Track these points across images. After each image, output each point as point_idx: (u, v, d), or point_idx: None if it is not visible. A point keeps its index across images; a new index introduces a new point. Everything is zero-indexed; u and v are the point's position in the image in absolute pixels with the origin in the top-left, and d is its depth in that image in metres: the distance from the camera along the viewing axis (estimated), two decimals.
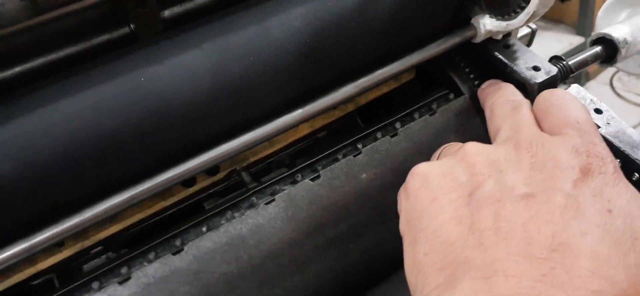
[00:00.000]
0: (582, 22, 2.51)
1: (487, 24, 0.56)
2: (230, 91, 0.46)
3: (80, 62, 0.46)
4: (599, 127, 0.51)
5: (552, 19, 2.69)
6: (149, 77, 0.43)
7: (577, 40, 2.53)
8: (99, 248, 0.49)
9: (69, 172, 0.42)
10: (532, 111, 0.42)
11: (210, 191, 0.53)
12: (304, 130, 0.56)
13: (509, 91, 0.49)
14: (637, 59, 0.71)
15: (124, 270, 0.44)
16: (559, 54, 2.07)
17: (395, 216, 0.51)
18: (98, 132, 0.42)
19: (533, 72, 0.56)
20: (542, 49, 2.14)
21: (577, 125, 0.36)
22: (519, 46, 0.59)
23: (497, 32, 0.57)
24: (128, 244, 0.52)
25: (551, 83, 0.56)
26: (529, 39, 0.66)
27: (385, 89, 0.60)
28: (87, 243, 0.46)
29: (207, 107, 0.45)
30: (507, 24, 0.55)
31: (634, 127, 1.85)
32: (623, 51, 0.66)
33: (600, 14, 0.73)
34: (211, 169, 0.50)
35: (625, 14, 0.71)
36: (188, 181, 0.50)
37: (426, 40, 0.56)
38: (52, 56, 0.47)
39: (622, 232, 0.30)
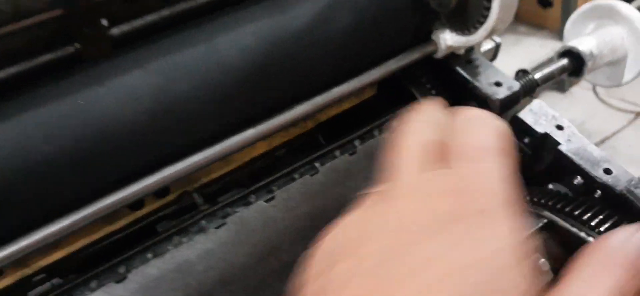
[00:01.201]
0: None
1: (448, 39, 0.55)
2: (175, 111, 0.44)
3: (24, 83, 0.44)
4: (560, 143, 0.50)
5: (535, 25, 2.69)
6: (89, 99, 0.42)
7: (559, 46, 2.53)
8: (42, 275, 0.47)
9: (4, 197, 0.40)
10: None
11: (161, 214, 0.51)
12: (262, 148, 0.54)
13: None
14: (605, 71, 0.70)
15: None
16: (542, 59, 2.08)
17: None
18: (35, 157, 0.40)
19: (495, 88, 0.55)
20: (526, 55, 2.14)
21: (473, 154, 0.29)
22: (481, 61, 0.58)
23: (458, 48, 0.56)
24: (75, 271, 0.50)
25: (513, 98, 0.55)
26: (493, 53, 0.65)
27: (346, 105, 0.59)
28: (28, 270, 0.45)
29: (149, 129, 0.44)
30: (467, 40, 0.54)
31: (617, 132, 1.84)
32: (589, 64, 0.66)
33: (567, 26, 0.72)
34: (160, 192, 0.49)
35: (593, 26, 0.70)
36: (136, 204, 0.48)
37: (386, 56, 0.55)
38: None
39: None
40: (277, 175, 0.51)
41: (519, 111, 0.55)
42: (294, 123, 0.53)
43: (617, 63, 0.69)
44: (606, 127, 2.37)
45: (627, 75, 0.68)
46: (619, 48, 0.67)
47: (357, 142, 0.54)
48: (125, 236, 0.49)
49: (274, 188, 0.50)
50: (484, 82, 0.55)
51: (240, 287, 0.46)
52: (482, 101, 0.55)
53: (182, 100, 0.45)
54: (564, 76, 0.67)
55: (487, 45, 0.63)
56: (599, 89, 2.59)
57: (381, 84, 0.60)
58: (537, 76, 0.63)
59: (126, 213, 0.48)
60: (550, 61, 0.68)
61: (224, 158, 0.49)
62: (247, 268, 0.47)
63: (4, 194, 0.40)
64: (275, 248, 0.48)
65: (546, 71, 0.65)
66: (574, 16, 0.71)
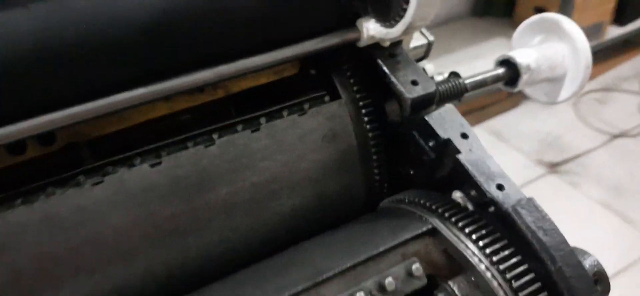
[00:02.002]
0: None
1: (371, 28, 0.53)
2: (60, 55, 0.42)
3: None
4: (460, 152, 0.49)
5: None
6: None
7: None
8: None
9: None
10: None
11: (45, 163, 0.49)
12: (162, 110, 0.52)
13: None
14: (544, 86, 0.69)
15: None
16: None
17: (243, 213, 0.49)
18: None
19: (410, 86, 0.54)
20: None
21: None
22: (404, 58, 0.56)
23: (381, 39, 0.54)
24: None
25: (426, 99, 0.54)
26: (425, 51, 0.63)
27: (263, 80, 0.57)
28: None
29: (32, 71, 0.42)
30: (387, 32, 0.52)
31: (590, 151, 1.83)
32: (525, 77, 0.64)
33: (515, 35, 0.71)
34: (44, 138, 0.47)
35: (539, 38, 0.68)
36: (16, 147, 0.46)
37: (305, 35, 0.53)
38: None
39: None
40: (169, 140, 0.49)
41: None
42: (198, 89, 0.52)
43: (555, 80, 0.67)
44: (580, 144, 2.37)
45: (564, 94, 0.67)
46: (558, 65, 0.66)
47: (262, 120, 0.52)
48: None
49: (163, 153, 0.48)
50: (401, 79, 0.54)
51: (109, 248, 0.45)
52: (396, 97, 0.54)
53: (67, 45, 0.43)
54: (499, 85, 0.66)
55: (418, 42, 0.61)
56: (580, 106, 2.58)
57: (304, 64, 0.58)
58: (468, 81, 0.62)
59: (4, 155, 0.47)
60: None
61: (117, 113, 0.47)
62: (120, 230, 0.45)
63: None
64: (153, 215, 0.47)
65: (478, 77, 0.64)
66: (522, 26, 0.69)
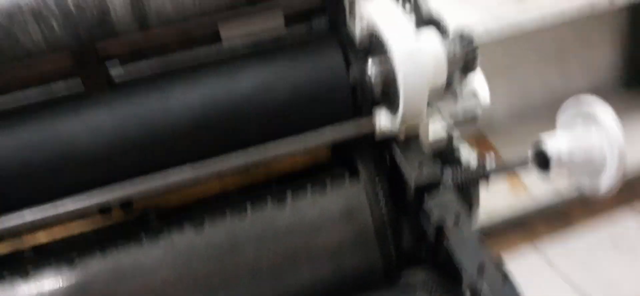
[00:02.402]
0: None
1: (383, 120, 0.61)
2: (135, 146, 0.58)
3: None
4: (447, 239, 0.54)
5: None
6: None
7: None
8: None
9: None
10: None
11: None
12: (215, 187, 0.66)
13: None
14: (585, 177, 0.68)
15: None
16: None
17: (266, 277, 0.60)
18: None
19: (416, 172, 0.60)
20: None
21: None
22: (417, 147, 0.62)
23: (393, 130, 0.62)
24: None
25: (430, 185, 0.59)
26: (446, 145, 0.67)
27: (299, 164, 0.68)
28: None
29: (114, 156, 0.58)
30: (391, 124, 0.60)
31: None
32: (555, 165, 0.66)
33: (560, 115, 0.72)
34: (124, 204, 0.63)
35: (581, 121, 0.69)
36: (104, 209, 0.63)
37: (324, 125, 0.63)
38: None
39: None
40: (212, 209, 0.62)
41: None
42: (243, 170, 0.64)
43: (596, 171, 0.67)
44: None
45: (604, 184, 0.67)
46: (597, 157, 0.66)
47: (288, 197, 0.63)
48: (92, 234, 0.64)
49: (206, 220, 0.61)
50: (410, 165, 0.61)
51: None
52: (404, 181, 0.61)
53: (139, 139, 0.59)
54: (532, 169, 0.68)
55: (440, 134, 0.67)
56: None
57: (335, 148, 0.68)
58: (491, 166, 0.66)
59: (96, 218, 0.63)
60: None
61: (176, 188, 0.62)
62: (166, 282, 0.58)
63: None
64: (192, 270, 0.59)
65: (504, 161, 0.67)
66: (565, 106, 0.71)
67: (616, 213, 2.26)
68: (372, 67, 0.57)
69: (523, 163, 0.67)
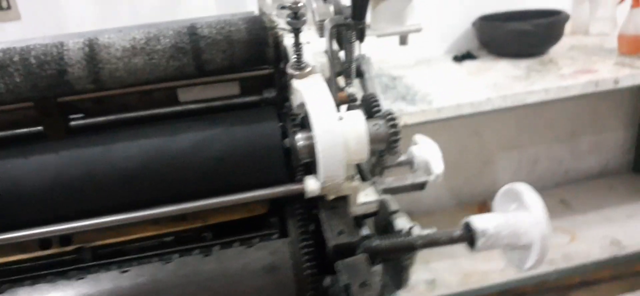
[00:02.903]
0: None
1: (310, 184, 0.65)
2: (77, 189, 0.63)
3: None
4: None
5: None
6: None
7: None
8: None
9: None
10: None
11: (62, 258, 0.69)
12: (151, 231, 0.69)
13: None
14: (514, 253, 0.70)
15: None
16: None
17: None
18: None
19: (336, 235, 0.63)
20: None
21: None
22: (342, 211, 0.65)
23: (321, 193, 0.65)
24: None
25: (348, 247, 0.62)
26: (377, 208, 0.70)
27: (237, 216, 0.71)
28: None
29: (58, 196, 0.63)
30: (312, 190, 0.63)
31: None
32: (480, 241, 0.68)
33: (495, 200, 0.74)
34: (63, 240, 0.67)
35: (514, 206, 0.71)
36: (45, 243, 0.67)
37: (259, 184, 0.67)
38: None
39: None
40: (141, 255, 0.65)
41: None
42: (180, 217, 0.68)
43: (522, 248, 0.69)
44: None
45: (528, 263, 0.68)
46: (522, 235, 0.68)
47: (216, 248, 0.66)
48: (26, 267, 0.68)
49: (134, 264, 0.64)
50: (332, 227, 0.63)
51: None
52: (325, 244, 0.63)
53: (81, 183, 0.63)
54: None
55: (369, 198, 0.70)
56: None
57: (272, 205, 0.71)
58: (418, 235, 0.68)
59: (36, 248, 0.68)
60: None
61: (114, 229, 0.66)
62: None
63: None
64: None
65: (432, 235, 0.69)
66: (500, 192, 0.73)
67: None
68: (298, 140, 0.61)
69: (451, 237, 0.69)
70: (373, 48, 1.80)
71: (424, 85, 1.86)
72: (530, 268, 0.68)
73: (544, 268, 2.04)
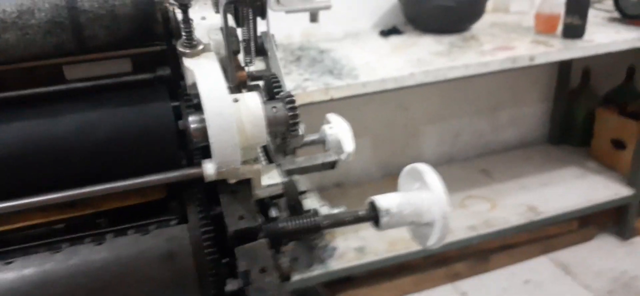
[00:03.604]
0: (635, 174, 2.32)
1: (208, 168, 0.62)
2: None
3: None
4: (250, 284, 0.55)
5: (606, 164, 2.52)
6: None
7: (626, 191, 2.34)
8: None
9: None
10: None
11: None
12: (39, 219, 0.65)
13: None
14: (416, 230, 0.71)
15: None
16: (603, 201, 2.00)
17: None
18: None
19: (236, 220, 0.61)
20: (592, 192, 2.05)
21: None
22: (243, 194, 0.63)
23: (219, 177, 0.63)
24: None
25: (248, 232, 0.60)
26: (283, 189, 0.69)
27: (130, 202, 0.68)
28: None
29: None
30: (209, 173, 0.60)
31: None
32: (384, 219, 0.68)
33: (400, 179, 0.75)
34: None
35: (417, 185, 0.72)
36: None
37: (154, 168, 0.63)
38: None
39: None
40: (25, 245, 0.61)
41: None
42: (68, 204, 0.64)
43: (425, 226, 0.70)
44: None
45: (431, 240, 0.69)
46: (425, 213, 0.69)
47: (108, 236, 0.63)
48: None
49: (17, 255, 0.60)
50: (231, 212, 0.61)
51: None
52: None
53: None
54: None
55: (273, 180, 0.68)
56: None
57: (170, 189, 0.68)
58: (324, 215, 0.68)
59: None
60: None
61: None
62: None
63: None
64: None
65: (339, 215, 0.69)
66: (403, 172, 0.74)
67: (532, 259, 2.34)
68: (190, 123, 0.58)
69: (356, 216, 0.69)
70: (298, 20, 1.78)
71: (351, 59, 1.86)
72: (433, 245, 0.69)
73: (466, 234, 2.13)
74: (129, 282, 0.61)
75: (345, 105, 1.53)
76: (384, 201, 0.69)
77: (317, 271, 1.89)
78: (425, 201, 0.69)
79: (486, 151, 2.71)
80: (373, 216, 0.69)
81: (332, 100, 1.69)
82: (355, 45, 2.03)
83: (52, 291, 0.59)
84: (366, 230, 2.12)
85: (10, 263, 0.59)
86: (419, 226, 0.70)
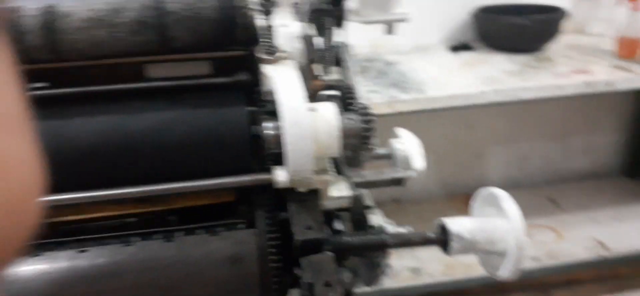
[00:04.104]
0: None
1: (279, 174, 0.62)
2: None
3: None
4: None
5: None
6: None
7: None
8: None
9: None
10: None
11: None
12: (113, 210, 0.67)
13: None
14: (487, 258, 0.68)
15: None
16: None
17: None
18: None
19: (304, 230, 0.60)
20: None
21: None
22: (312, 204, 0.63)
23: (291, 185, 0.62)
24: None
25: (314, 244, 0.59)
26: (351, 202, 0.68)
27: (203, 202, 0.68)
28: None
29: None
30: (282, 181, 0.60)
31: None
32: (454, 244, 0.65)
33: (475, 203, 0.72)
34: None
35: (492, 211, 0.69)
36: None
37: (227, 171, 0.64)
38: None
39: None
40: (100, 235, 0.63)
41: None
42: (144, 199, 0.65)
43: (497, 255, 0.67)
44: None
45: (502, 270, 0.66)
46: (498, 241, 0.65)
47: (178, 234, 0.63)
48: None
49: (92, 244, 0.62)
50: (300, 222, 0.61)
51: None
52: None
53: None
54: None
55: (342, 193, 0.67)
56: None
57: (241, 193, 0.69)
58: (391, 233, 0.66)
59: None
60: None
61: (73, 207, 0.63)
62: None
63: None
64: (69, 289, 0.60)
65: (406, 235, 0.67)
66: (478, 195, 0.71)
67: None
68: (266, 129, 0.58)
69: (424, 238, 0.67)
70: (366, 32, 1.77)
71: (418, 73, 1.83)
72: (504, 276, 0.66)
73: (528, 265, 2.04)
74: (195, 282, 0.62)
75: (408, 119, 1.51)
76: (455, 225, 0.66)
77: (368, 288, 1.87)
78: (499, 229, 0.66)
79: (555, 178, 2.59)
80: (442, 240, 0.66)
81: (396, 113, 1.66)
82: (423, 59, 2.00)
83: (120, 284, 0.61)
84: (423, 251, 2.07)
85: (84, 251, 0.61)
86: (490, 254, 0.67)
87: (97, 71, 0.67)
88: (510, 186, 2.48)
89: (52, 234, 0.64)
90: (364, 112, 0.58)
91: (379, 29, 1.82)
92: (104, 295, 0.60)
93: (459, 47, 2.07)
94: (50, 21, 0.57)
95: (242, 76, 0.67)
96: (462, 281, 2.00)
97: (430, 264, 2.04)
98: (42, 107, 0.62)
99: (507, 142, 2.49)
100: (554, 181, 2.58)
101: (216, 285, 0.62)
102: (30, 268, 0.60)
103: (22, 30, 0.57)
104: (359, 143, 0.59)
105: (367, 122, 0.58)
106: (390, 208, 2.41)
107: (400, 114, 1.65)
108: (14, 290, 0.59)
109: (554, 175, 2.60)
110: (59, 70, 0.64)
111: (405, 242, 0.66)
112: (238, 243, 0.63)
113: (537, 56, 1.96)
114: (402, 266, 2.02)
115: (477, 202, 0.71)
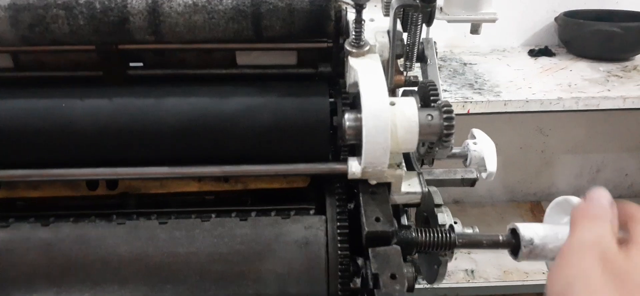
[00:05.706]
0: None
1: (353, 166, 0.63)
2: (126, 136, 0.64)
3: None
4: (378, 287, 0.55)
5: None
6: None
7: None
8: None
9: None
10: None
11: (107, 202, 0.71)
12: (193, 187, 0.70)
13: None
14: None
15: None
16: None
17: (213, 280, 0.63)
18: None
19: (372, 222, 0.61)
20: None
21: None
22: (382, 197, 0.64)
23: (363, 177, 0.63)
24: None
25: (382, 236, 0.60)
26: (421, 199, 0.68)
27: (276, 185, 0.71)
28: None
29: (111, 141, 0.65)
30: (353, 172, 0.61)
31: None
32: (525, 249, 0.64)
33: (547, 210, 0.70)
34: (110, 184, 0.69)
35: (566, 219, 0.67)
36: (92, 184, 0.69)
37: (303, 158, 0.66)
38: None
39: None
40: (181, 209, 0.66)
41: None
42: (223, 178, 0.69)
43: None
44: None
45: None
46: None
47: (253, 214, 0.66)
48: (74, 204, 0.70)
49: (172, 216, 0.66)
50: (369, 213, 0.62)
51: (111, 271, 0.63)
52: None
53: (130, 132, 0.64)
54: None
55: (413, 188, 0.67)
56: None
57: (312, 180, 0.71)
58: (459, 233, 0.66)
59: (83, 188, 0.70)
60: None
61: (159, 181, 0.67)
62: (122, 260, 0.63)
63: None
64: (146, 257, 0.63)
65: (476, 236, 0.66)
66: (553, 202, 0.69)
67: None
68: (346, 120, 0.60)
69: (494, 241, 0.66)
70: (444, 31, 1.74)
71: (494, 75, 1.79)
72: None
73: None
74: (265, 260, 0.64)
75: (480, 120, 1.48)
76: (528, 230, 0.65)
77: (421, 285, 1.85)
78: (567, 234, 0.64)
79: (630, 193, 2.47)
80: (513, 245, 0.65)
81: (468, 114, 1.63)
82: (501, 62, 1.95)
83: (195, 258, 0.64)
84: (478, 253, 2.03)
85: (164, 223, 0.65)
86: None
87: (193, 54, 0.70)
88: (581, 197, 2.38)
89: (138, 205, 0.69)
90: (445, 110, 0.58)
91: (457, 28, 1.79)
92: (180, 264, 0.64)
93: (539, 51, 2.01)
94: (154, 5, 0.61)
95: (325, 68, 0.69)
96: (518, 286, 1.96)
97: (485, 267, 2.01)
98: (140, 85, 0.67)
99: (580, 152, 2.39)
100: (628, 196, 2.46)
101: (285, 265, 0.64)
102: (114, 234, 0.64)
103: (128, 11, 0.61)
104: (438, 141, 0.59)
105: (448, 119, 0.58)
106: (451, 209, 2.37)
107: (470, 114, 1.63)
108: (100, 249, 0.63)
109: (629, 190, 2.47)
110: (158, 51, 0.68)
111: (474, 243, 0.65)
112: (308, 227, 0.65)
113: (623, 65, 1.87)
114: (456, 267, 2.00)
115: (551, 209, 0.70)
